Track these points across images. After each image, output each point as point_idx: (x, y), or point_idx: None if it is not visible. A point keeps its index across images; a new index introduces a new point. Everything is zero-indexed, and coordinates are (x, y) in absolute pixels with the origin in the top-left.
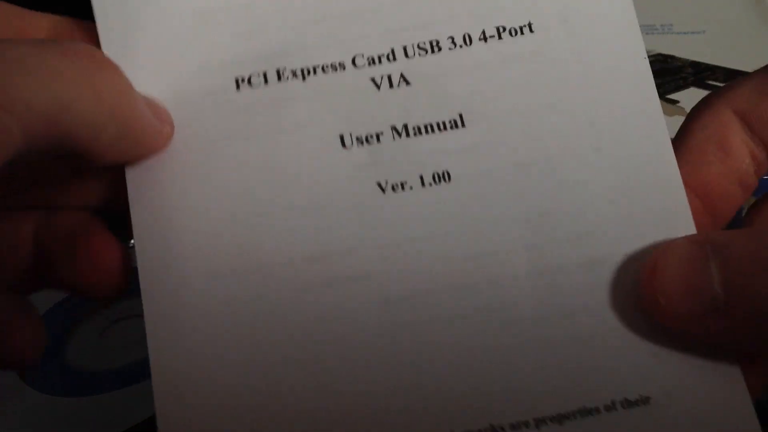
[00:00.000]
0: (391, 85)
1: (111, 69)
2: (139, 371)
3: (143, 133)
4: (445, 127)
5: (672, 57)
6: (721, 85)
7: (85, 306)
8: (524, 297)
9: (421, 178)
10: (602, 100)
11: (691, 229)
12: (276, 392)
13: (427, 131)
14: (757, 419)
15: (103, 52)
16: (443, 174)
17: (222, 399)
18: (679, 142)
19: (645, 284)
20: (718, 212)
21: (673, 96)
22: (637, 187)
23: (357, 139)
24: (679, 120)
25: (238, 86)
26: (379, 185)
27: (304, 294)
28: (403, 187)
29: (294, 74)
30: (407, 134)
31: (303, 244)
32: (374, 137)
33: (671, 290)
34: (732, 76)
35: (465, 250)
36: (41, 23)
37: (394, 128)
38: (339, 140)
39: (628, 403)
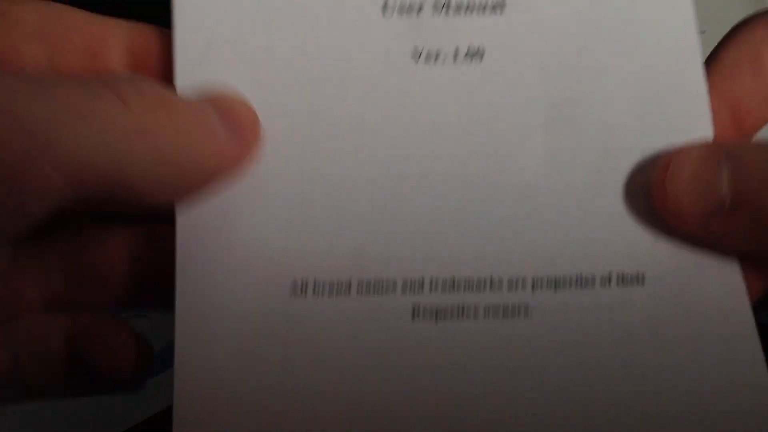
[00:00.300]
0: None
1: (172, 109)
2: None
3: (215, 165)
4: (485, 7)
5: None
6: None
7: None
8: (536, 173)
9: (455, 52)
10: (640, 2)
11: (709, 135)
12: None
13: (467, 9)
14: (751, 312)
15: (162, 89)
16: (477, 51)
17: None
18: (714, 54)
19: (657, 180)
20: (744, 126)
21: None
22: (662, 86)
23: (398, 8)
24: None
25: None
26: (413, 55)
27: (331, 136)
28: (436, 59)
29: None
30: (448, 9)
31: (333, 99)
32: (415, 8)
33: (681, 188)
34: None
35: (486, 123)
36: (118, 30)
37: (436, 2)
38: (380, 7)
39: (623, 279)
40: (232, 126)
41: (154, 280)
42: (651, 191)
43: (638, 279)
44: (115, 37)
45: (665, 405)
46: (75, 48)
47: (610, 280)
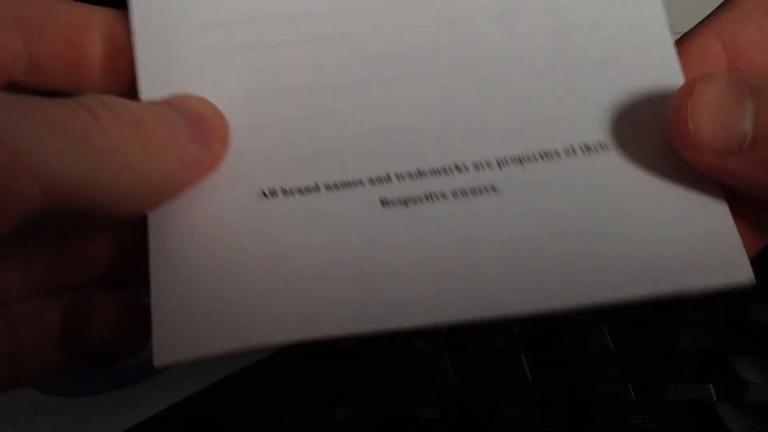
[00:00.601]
0: None
1: (140, 126)
2: (139, 371)
3: (182, 177)
4: None
5: None
6: None
7: None
8: (497, 58)
9: None
10: None
11: (659, 13)
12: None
13: None
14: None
15: (132, 106)
16: None
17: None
18: (729, 1)
19: (677, 107)
20: None
21: None
22: None
23: None
24: None
25: None
26: None
27: (291, 47)
28: None
29: None
30: None
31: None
32: None
33: (702, 118)
34: None
35: (444, 15)
36: (97, 18)
37: None
38: None
39: (586, 148)
40: (200, 134)
41: (136, 256)
42: (670, 120)
43: (601, 146)
44: (94, 26)
45: (637, 263)
46: (53, 37)
47: (573, 150)
